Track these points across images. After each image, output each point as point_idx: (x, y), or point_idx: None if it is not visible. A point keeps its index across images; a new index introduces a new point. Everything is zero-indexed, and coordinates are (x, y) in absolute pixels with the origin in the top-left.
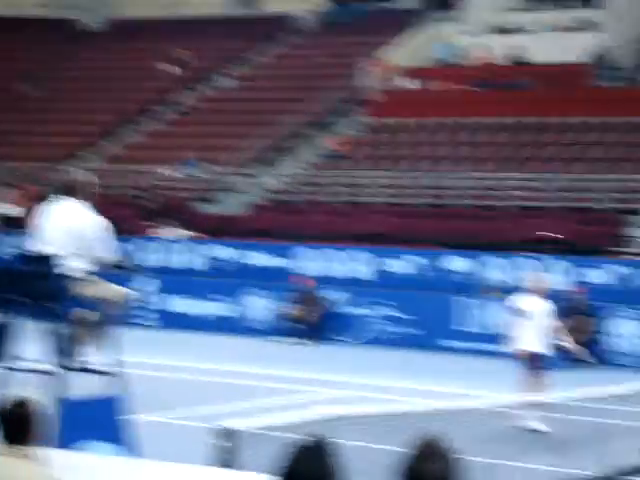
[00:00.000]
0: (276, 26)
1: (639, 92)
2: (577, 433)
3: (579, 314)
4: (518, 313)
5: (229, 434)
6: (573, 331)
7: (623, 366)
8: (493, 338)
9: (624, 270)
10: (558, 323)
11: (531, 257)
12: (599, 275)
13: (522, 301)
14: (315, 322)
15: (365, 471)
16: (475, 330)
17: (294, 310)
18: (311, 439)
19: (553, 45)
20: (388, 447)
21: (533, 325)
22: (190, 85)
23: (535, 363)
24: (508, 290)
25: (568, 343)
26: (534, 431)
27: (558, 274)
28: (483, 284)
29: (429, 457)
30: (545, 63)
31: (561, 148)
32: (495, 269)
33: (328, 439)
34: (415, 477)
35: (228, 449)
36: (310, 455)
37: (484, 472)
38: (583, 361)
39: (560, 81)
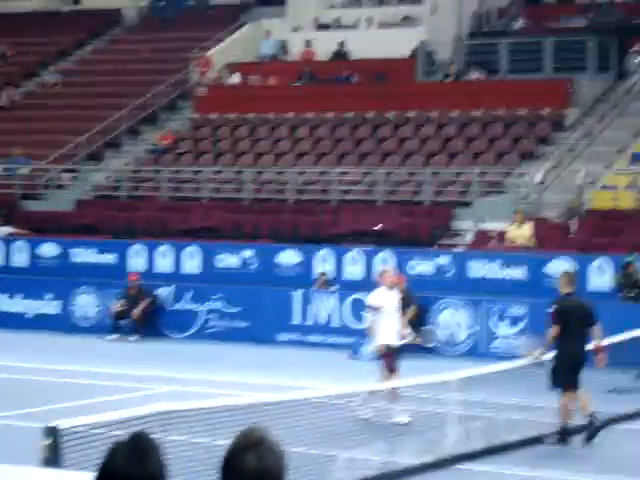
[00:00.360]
0: (101, 21)
1: (457, 85)
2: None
3: (404, 304)
4: (371, 309)
5: (53, 433)
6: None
7: (444, 355)
8: (319, 330)
9: (446, 261)
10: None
11: (359, 249)
12: (424, 266)
13: (374, 297)
14: (141, 317)
15: (188, 466)
16: (302, 322)
17: (119, 306)
18: (130, 435)
19: (375, 41)
20: (212, 441)
21: (387, 319)
22: (14, 81)
23: (391, 357)
24: (334, 282)
25: (408, 333)
26: (397, 424)
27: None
28: (311, 276)
29: (246, 448)
30: (367, 59)
31: (388, 141)
32: (321, 261)
33: (147, 435)
34: (232, 469)
35: (52, 448)
36: (128, 451)
37: (312, 463)
38: (422, 348)
39: (380, 76)
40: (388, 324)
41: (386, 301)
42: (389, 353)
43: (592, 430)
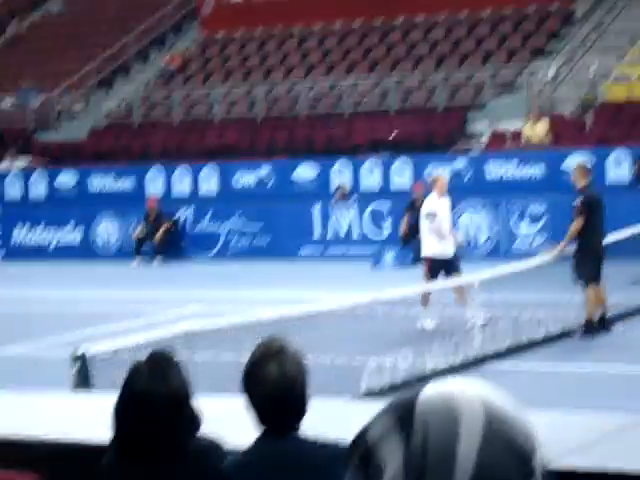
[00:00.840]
0: None
1: None
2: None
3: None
4: (428, 217)
5: (81, 358)
6: (418, 226)
7: (466, 258)
8: (340, 242)
9: (463, 164)
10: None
11: (374, 159)
12: (441, 171)
13: (428, 203)
14: (162, 241)
15: (212, 384)
16: (322, 236)
17: (140, 231)
18: (149, 354)
19: None
20: (238, 358)
21: (442, 226)
22: (18, 12)
23: (448, 264)
24: (352, 194)
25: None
26: (423, 330)
27: (401, 174)
28: (329, 190)
29: (267, 357)
30: None
31: (398, 48)
32: (338, 174)
33: (167, 352)
34: (254, 378)
35: (81, 373)
36: (148, 369)
37: (338, 372)
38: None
39: None
40: (442, 231)
41: (440, 208)
42: (444, 262)
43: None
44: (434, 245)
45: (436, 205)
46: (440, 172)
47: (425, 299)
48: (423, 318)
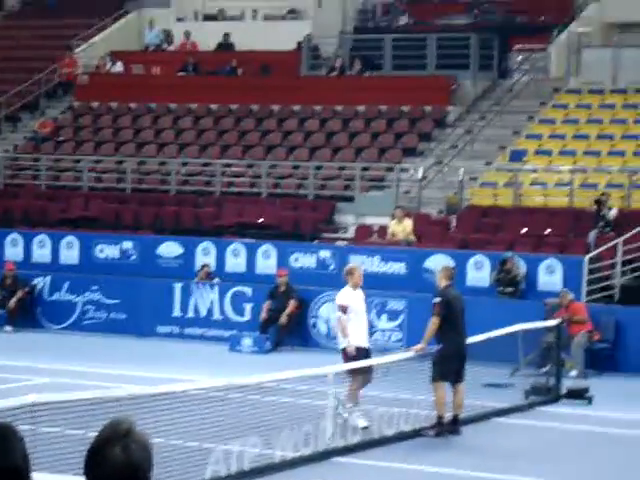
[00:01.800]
0: None
1: (341, 80)
2: (283, 415)
3: (285, 297)
4: (340, 309)
5: None
6: (279, 312)
7: (325, 348)
8: (200, 322)
9: (327, 255)
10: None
11: (241, 242)
12: (303, 259)
13: (342, 296)
14: (16, 308)
15: (57, 458)
16: (182, 315)
17: None
18: None
19: (261, 33)
20: (86, 433)
21: (355, 320)
22: None
23: (359, 357)
24: (215, 275)
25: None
26: (363, 428)
27: (266, 259)
28: (193, 269)
29: (112, 440)
30: (252, 51)
31: (273, 134)
32: (203, 254)
33: (9, 425)
34: (98, 461)
35: None
36: None
37: (187, 456)
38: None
39: (265, 69)
40: (356, 325)
41: (353, 301)
42: (356, 355)
43: (447, 427)
44: (350, 337)
45: (350, 298)
46: (356, 263)
47: (353, 396)
48: (355, 416)
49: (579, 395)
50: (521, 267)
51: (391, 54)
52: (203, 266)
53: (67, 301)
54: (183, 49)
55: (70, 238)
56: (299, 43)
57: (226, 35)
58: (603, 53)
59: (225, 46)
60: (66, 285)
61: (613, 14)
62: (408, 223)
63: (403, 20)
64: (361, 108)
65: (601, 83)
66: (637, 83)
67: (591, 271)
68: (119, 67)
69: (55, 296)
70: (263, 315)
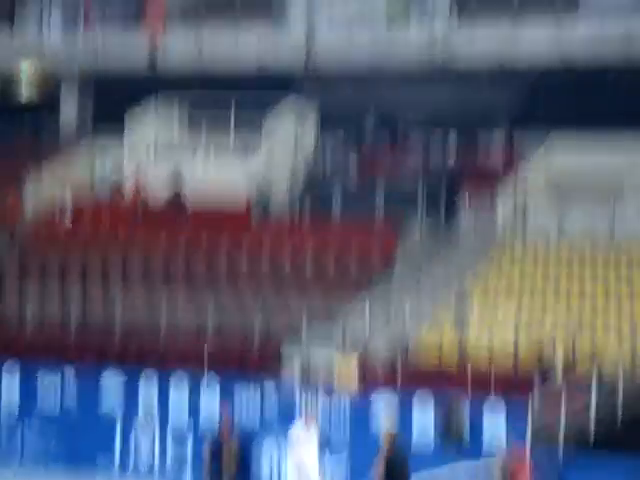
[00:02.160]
0: None
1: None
2: None
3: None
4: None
5: None
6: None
7: None
8: None
9: (274, 391)
10: None
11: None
12: (244, 400)
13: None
14: None
15: None
16: None
17: None
18: None
19: (212, 171)
20: None
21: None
22: None
23: None
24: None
25: None
26: None
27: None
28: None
29: None
30: (203, 191)
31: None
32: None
33: None
34: None
35: None
36: None
37: None
38: None
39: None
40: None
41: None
42: None
43: None
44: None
45: (300, 435)
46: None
47: None
48: None
49: None
50: None
51: (339, 204)
52: None
53: None
54: (137, 197)
55: None
56: (251, 184)
57: (178, 175)
58: None
59: (176, 189)
60: None
61: None
62: (352, 361)
63: (352, 169)
64: (308, 244)
65: None
66: None
67: None
68: (61, 216)
69: None
70: None
